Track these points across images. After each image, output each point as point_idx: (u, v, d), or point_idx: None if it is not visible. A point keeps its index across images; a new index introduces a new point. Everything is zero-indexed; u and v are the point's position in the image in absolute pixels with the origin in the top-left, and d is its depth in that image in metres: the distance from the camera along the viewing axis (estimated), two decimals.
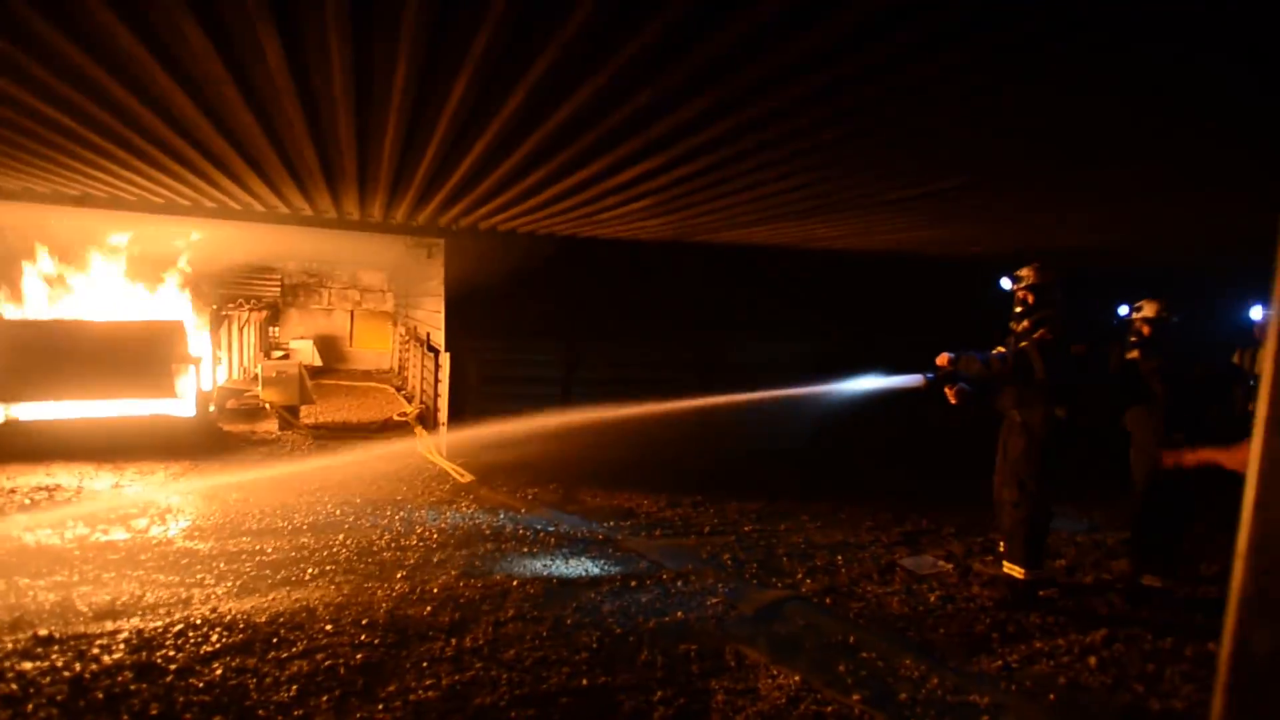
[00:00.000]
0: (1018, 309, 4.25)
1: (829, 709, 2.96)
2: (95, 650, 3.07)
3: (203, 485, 5.78)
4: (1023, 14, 1.92)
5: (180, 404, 6.75)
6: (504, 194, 4.38)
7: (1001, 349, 4.25)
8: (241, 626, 3.37)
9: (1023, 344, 4.13)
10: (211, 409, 7.17)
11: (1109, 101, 2.60)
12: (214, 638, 3.24)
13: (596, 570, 4.39)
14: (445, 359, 7.26)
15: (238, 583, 3.90)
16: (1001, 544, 4.43)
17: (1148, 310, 4.54)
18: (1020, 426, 4.18)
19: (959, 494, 6.68)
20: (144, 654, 3.06)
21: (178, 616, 3.43)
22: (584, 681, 3.06)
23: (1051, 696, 3.15)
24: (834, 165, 3.41)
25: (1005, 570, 4.25)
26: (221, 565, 4.13)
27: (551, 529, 5.16)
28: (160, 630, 3.28)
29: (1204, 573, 4.75)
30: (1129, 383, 4.54)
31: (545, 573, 4.29)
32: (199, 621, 3.38)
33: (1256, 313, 5.12)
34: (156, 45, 2.37)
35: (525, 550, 4.68)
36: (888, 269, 7.81)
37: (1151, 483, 4.45)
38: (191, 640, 3.20)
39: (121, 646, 3.12)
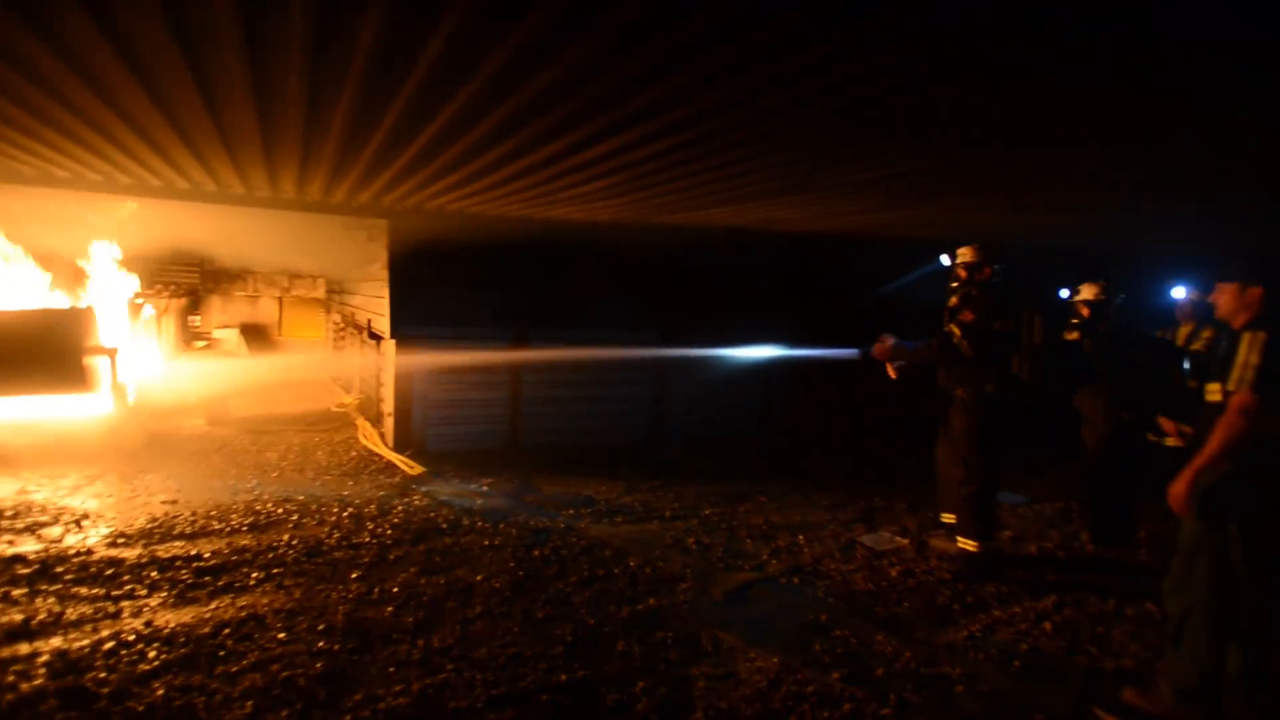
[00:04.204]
0: (953, 284, 4.38)
1: (810, 689, 2.96)
2: (10, 677, 2.74)
3: (124, 487, 5.31)
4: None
5: (95, 400, 6.17)
6: (459, 170, 4.13)
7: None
8: (182, 640, 3.09)
9: (948, 326, 4.27)
10: (131, 404, 6.59)
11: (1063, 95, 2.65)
12: (151, 654, 2.96)
13: (562, 561, 4.27)
14: (389, 346, 6.92)
15: (173, 592, 3.58)
16: (953, 518, 4.57)
17: (1086, 293, 4.73)
18: (960, 404, 4.32)
19: (907, 470, 6.89)
20: (70, 678, 2.75)
21: (106, 633, 3.12)
22: (563, 676, 2.96)
23: (1017, 663, 3.26)
24: (808, 145, 3.36)
25: (960, 545, 4.39)
26: (153, 573, 3.79)
27: (510, 520, 5.00)
28: (87, 650, 2.97)
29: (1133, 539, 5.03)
30: (1072, 363, 4.73)
31: (509, 565, 4.14)
32: (132, 637, 3.08)
33: (1179, 292, 5.42)
34: None
35: (485, 543, 4.51)
36: (839, 249, 7.92)
37: (1103, 458, 4.67)
38: (125, 659, 2.91)
39: (42, 671, 2.80)
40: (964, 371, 4.26)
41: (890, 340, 4.44)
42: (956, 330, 4.23)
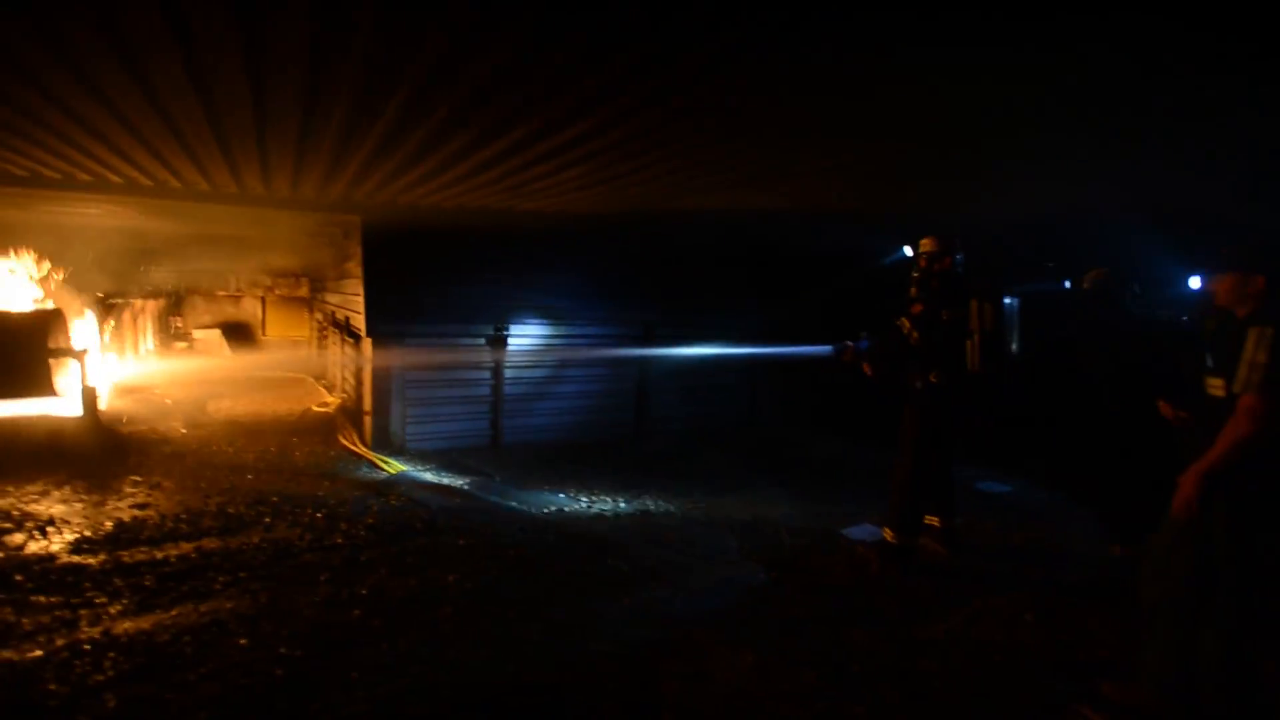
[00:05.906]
0: (914, 274, 4.33)
1: (784, 688, 2.90)
2: None
3: (93, 492, 5.20)
4: None
5: (63, 403, 6.05)
6: (422, 163, 4.04)
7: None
8: (140, 648, 3.00)
9: (899, 319, 4.24)
10: (102, 406, 6.47)
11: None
12: (106, 664, 2.86)
13: (538, 559, 4.20)
14: (367, 345, 6.82)
15: (135, 599, 3.49)
16: (935, 519, 4.46)
17: (1088, 281, 4.60)
18: (912, 394, 4.27)
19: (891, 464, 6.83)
20: (17, 691, 2.66)
21: (61, 643, 3.02)
22: (531, 678, 2.89)
23: (997, 657, 3.21)
24: (740, 137, 3.31)
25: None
26: (115, 580, 3.69)
27: (487, 518, 4.92)
28: (39, 661, 2.87)
29: None
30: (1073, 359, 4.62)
31: (483, 565, 4.06)
32: (87, 647, 2.99)
33: (1195, 283, 5.23)
34: None
35: (460, 543, 4.43)
36: (830, 237, 7.83)
37: (1111, 457, 4.55)
38: (78, 670, 2.82)
39: None
40: (915, 363, 4.22)
41: (851, 345, 4.38)
42: (905, 322, 4.19)
